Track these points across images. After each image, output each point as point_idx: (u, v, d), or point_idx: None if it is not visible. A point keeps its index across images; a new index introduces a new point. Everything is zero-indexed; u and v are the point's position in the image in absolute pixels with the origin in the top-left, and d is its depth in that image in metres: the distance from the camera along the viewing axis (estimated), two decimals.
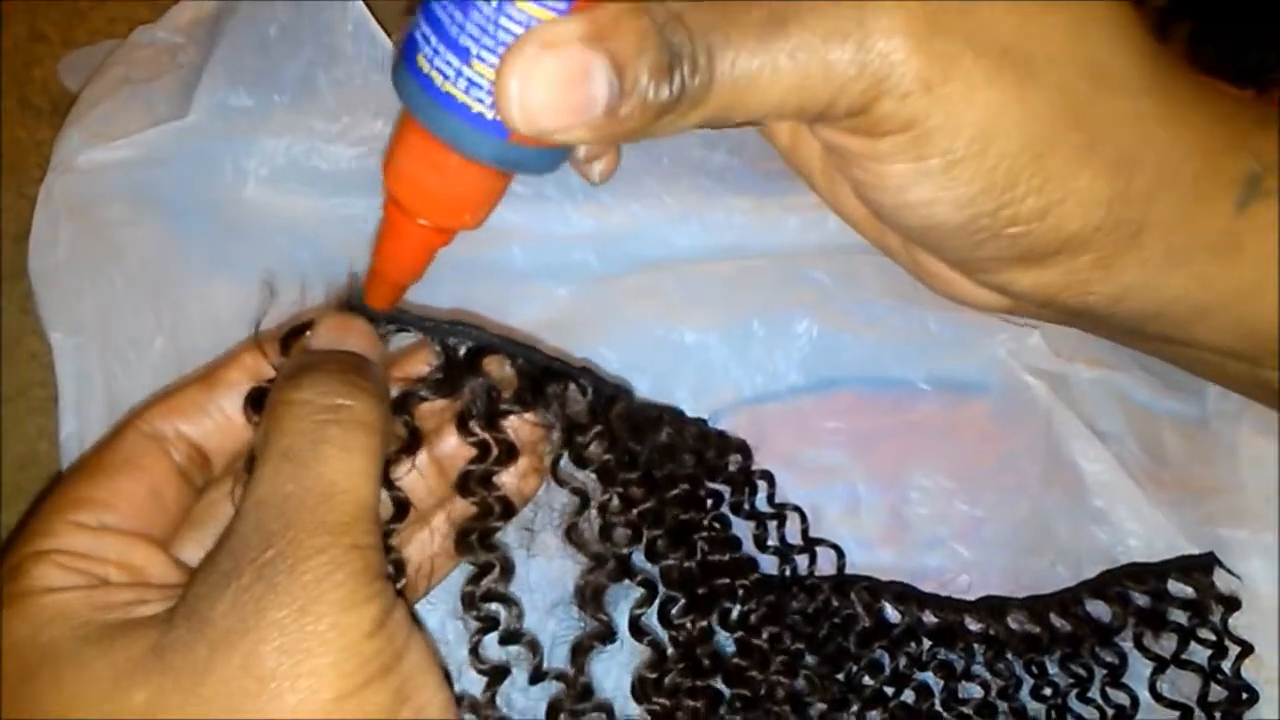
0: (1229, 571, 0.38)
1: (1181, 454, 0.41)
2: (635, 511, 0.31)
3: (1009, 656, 0.36)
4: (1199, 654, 0.37)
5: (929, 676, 0.36)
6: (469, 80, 0.21)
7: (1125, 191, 0.23)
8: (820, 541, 0.36)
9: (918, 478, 0.39)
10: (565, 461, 0.30)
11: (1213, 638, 0.37)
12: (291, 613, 0.22)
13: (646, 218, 0.39)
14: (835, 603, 0.36)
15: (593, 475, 0.30)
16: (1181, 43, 0.57)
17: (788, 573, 0.36)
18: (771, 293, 0.40)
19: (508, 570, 0.29)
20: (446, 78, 0.22)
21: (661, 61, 0.20)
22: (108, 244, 0.36)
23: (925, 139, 0.22)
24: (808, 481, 0.38)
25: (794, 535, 0.36)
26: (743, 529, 0.35)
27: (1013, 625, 0.36)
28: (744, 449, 0.37)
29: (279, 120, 0.37)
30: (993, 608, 0.37)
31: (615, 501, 0.30)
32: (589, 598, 0.30)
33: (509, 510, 0.29)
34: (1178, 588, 0.38)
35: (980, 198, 0.23)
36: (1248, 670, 0.37)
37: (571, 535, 0.30)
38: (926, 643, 0.36)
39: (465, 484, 0.29)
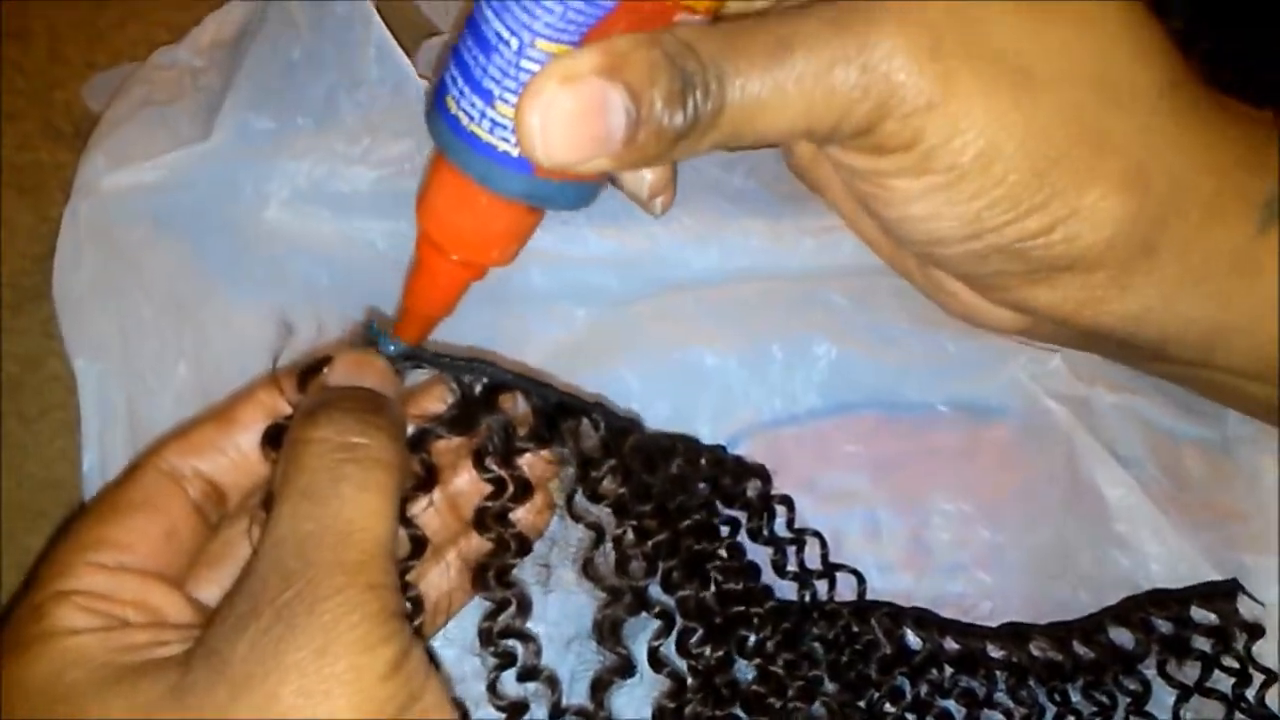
0: (1252, 598, 0.38)
1: (1203, 479, 0.40)
2: (650, 544, 0.30)
3: (1032, 684, 0.36)
4: (1223, 682, 0.37)
5: (951, 704, 0.36)
6: (493, 120, 0.22)
7: (1136, 209, 0.23)
8: (840, 567, 0.36)
9: (938, 502, 0.38)
10: (579, 496, 0.30)
11: (1236, 665, 0.37)
12: (310, 654, 0.22)
13: (665, 240, 0.39)
14: (856, 629, 0.36)
15: (607, 509, 0.30)
16: (1199, 62, 0.57)
17: (807, 598, 0.36)
18: (789, 315, 0.40)
19: (525, 606, 0.29)
20: (472, 119, 0.23)
21: (675, 89, 0.21)
22: (131, 267, 0.36)
23: (929, 156, 0.22)
24: (827, 506, 0.38)
25: (814, 560, 0.36)
26: (762, 555, 0.35)
27: (1035, 652, 0.36)
28: (763, 474, 0.36)
29: (301, 143, 0.38)
30: (1015, 634, 0.36)
31: (630, 535, 0.30)
32: (607, 632, 0.30)
33: (525, 546, 0.29)
34: (1201, 614, 0.37)
35: (985, 213, 0.23)
36: (1272, 698, 0.37)
37: (588, 570, 0.30)
38: (948, 670, 0.36)
39: (481, 520, 0.29)
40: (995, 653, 0.36)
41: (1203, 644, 0.37)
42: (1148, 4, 0.25)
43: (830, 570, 0.36)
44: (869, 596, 0.36)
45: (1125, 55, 0.23)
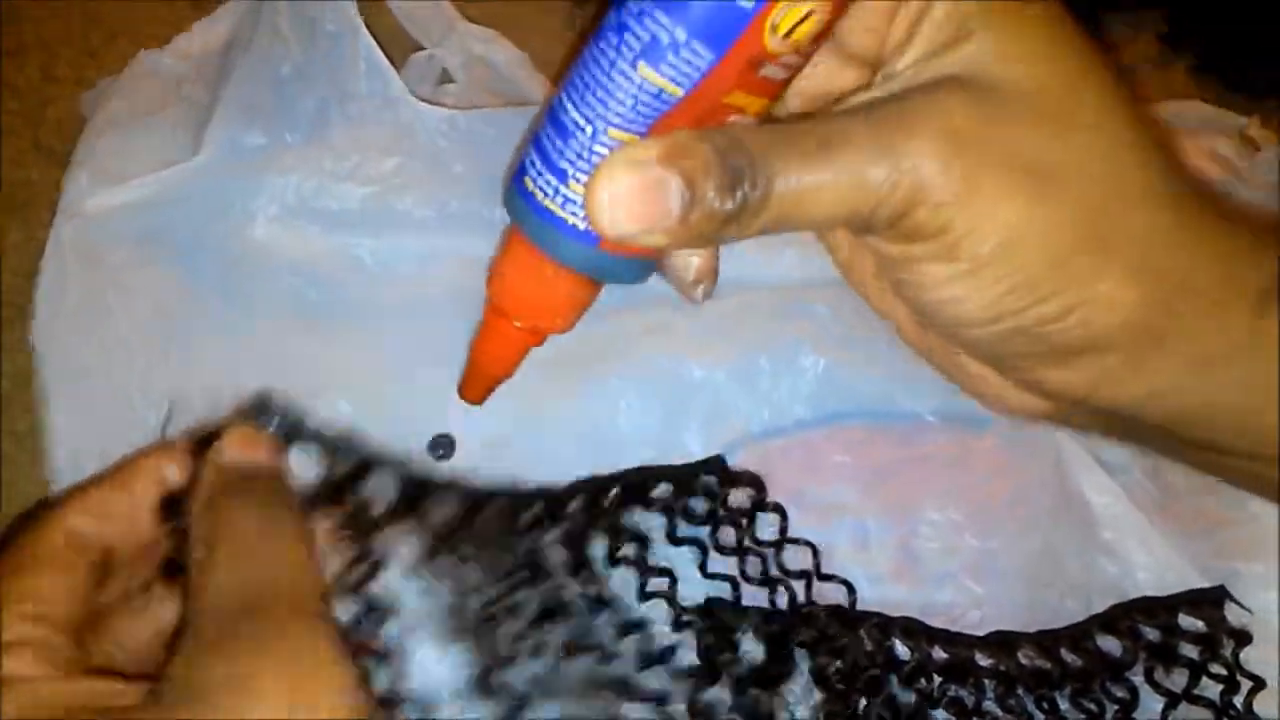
0: (1239, 605, 0.38)
1: (1190, 486, 0.41)
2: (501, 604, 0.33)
3: (1020, 692, 0.36)
4: (1211, 689, 0.37)
5: (940, 713, 0.36)
6: (565, 197, 0.25)
7: (1146, 297, 0.25)
8: (831, 577, 0.37)
9: (927, 512, 0.39)
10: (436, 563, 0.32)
11: (1224, 672, 0.37)
12: (290, 668, 0.23)
13: None
14: (844, 639, 0.36)
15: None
16: (1185, 71, 0.58)
17: (797, 599, 0.36)
18: (777, 327, 0.40)
19: (397, 662, 0.31)
20: (547, 195, 0.26)
21: (725, 180, 0.24)
22: (117, 289, 0.36)
23: (956, 245, 0.25)
24: (816, 517, 0.38)
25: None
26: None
27: (1023, 660, 0.36)
28: (756, 483, 0.37)
29: (289, 159, 0.38)
30: (1003, 643, 0.37)
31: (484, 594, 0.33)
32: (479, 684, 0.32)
33: (384, 614, 0.31)
34: (1188, 622, 0.38)
35: (1006, 297, 0.25)
36: (1260, 705, 0.37)
37: (451, 630, 0.32)
38: (937, 679, 0.36)
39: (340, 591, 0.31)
40: (984, 661, 0.36)
41: (1190, 651, 0.37)
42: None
43: (813, 579, 0.37)
44: (859, 607, 0.37)
45: (1134, 161, 0.25)
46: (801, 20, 0.24)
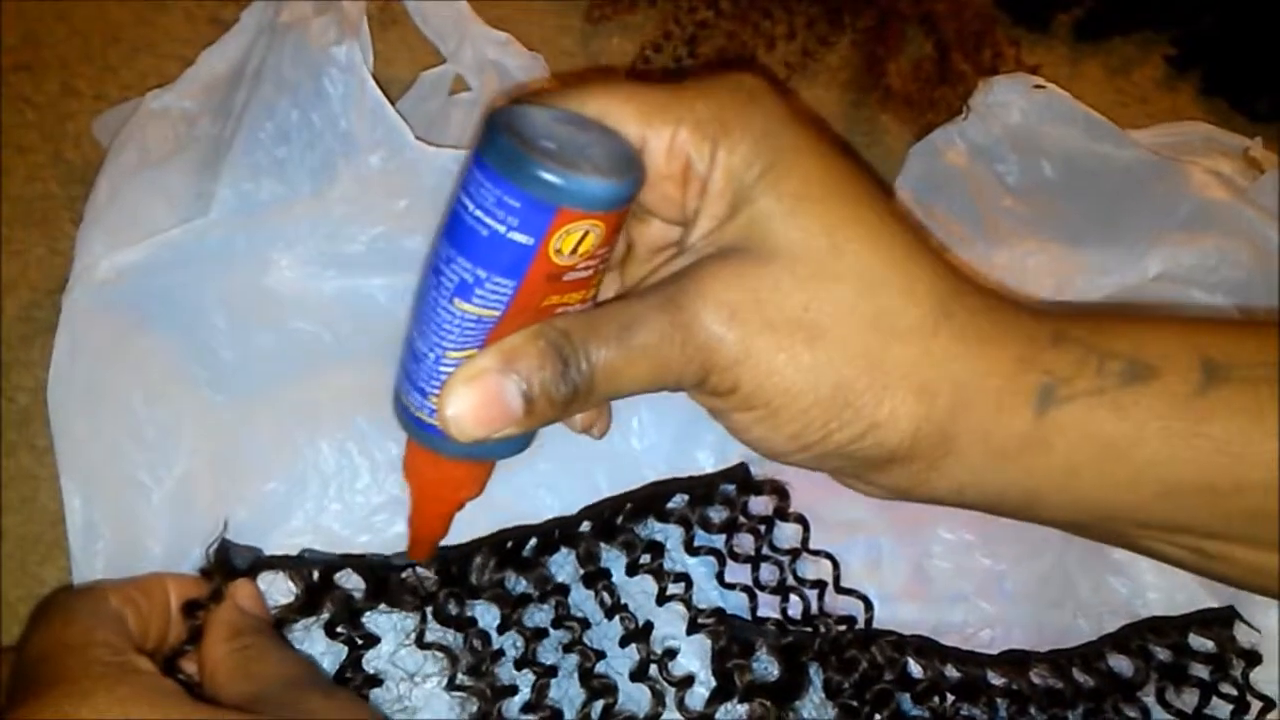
0: (1249, 625, 0.38)
1: None
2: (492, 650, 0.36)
3: (1032, 711, 0.36)
4: (1221, 709, 0.37)
5: None
6: (429, 408, 0.29)
7: (928, 413, 0.28)
8: (849, 591, 0.37)
9: (940, 531, 0.39)
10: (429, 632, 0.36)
11: (1234, 692, 0.37)
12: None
13: None
14: (858, 657, 0.36)
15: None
16: (1190, 93, 0.58)
17: (811, 609, 0.37)
18: None
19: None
20: (418, 408, 0.29)
21: (558, 368, 0.27)
22: (126, 358, 0.36)
23: (748, 398, 0.28)
24: (830, 536, 0.38)
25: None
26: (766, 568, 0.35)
27: (1035, 679, 0.37)
28: (779, 491, 0.38)
29: (299, 208, 0.38)
30: (1015, 662, 0.37)
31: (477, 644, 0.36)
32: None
33: (378, 681, 0.35)
34: (1199, 641, 0.38)
35: (803, 433, 0.29)
36: None
37: (451, 684, 0.35)
38: (950, 697, 0.36)
39: (342, 675, 0.35)
40: (996, 680, 0.37)
41: (1201, 671, 0.37)
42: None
43: (835, 592, 0.37)
44: (872, 624, 0.37)
45: (897, 300, 0.28)
46: (581, 239, 0.27)
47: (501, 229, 0.26)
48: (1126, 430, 0.28)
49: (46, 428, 0.36)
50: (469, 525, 0.36)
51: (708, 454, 0.39)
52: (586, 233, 0.27)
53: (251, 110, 0.38)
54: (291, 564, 0.35)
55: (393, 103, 0.39)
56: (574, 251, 0.27)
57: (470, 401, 0.27)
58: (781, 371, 0.28)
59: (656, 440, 0.39)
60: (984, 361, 0.29)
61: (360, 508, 0.36)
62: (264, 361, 0.37)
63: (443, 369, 0.28)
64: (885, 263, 0.28)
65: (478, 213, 0.26)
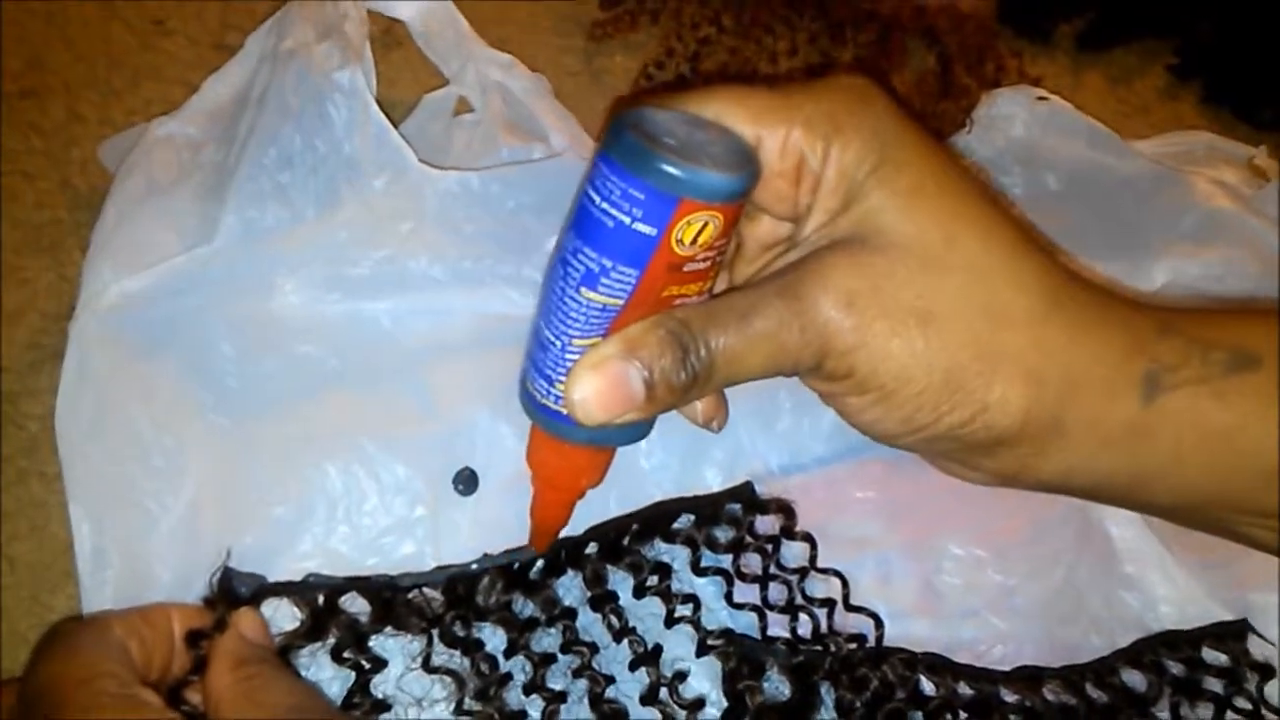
0: (1262, 638, 0.38)
1: None
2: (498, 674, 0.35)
3: None
4: None
5: None
6: (555, 395, 0.30)
7: (1037, 399, 0.30)
8: (859, 609, 0.37)
9: (950, 547, 0.39)
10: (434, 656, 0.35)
11: (1249, 706, 0.37)
12: None
13: None
14: (870, 674, 0.36)
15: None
16: (1193, 102, 0.58)
17: (821, 628, 0.37)
18: None
19: None
20: (544, 395, 0.31)
21: (678, 356, 0.29)
22: (134, 385, 0.36)
23: (862, 382, 0.30)
24: (839, 553, 0.38)
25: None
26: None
27: (1049, 696, 0.37)
28: (785, 510, 0.38)
29: (304, 233, 0.38)
30: (1028, 678, 0.37)
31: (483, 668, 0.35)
32: None
33: (385, 706, 0.35)
34: (1212, 655, 0.38)
35: (915, 415, 0.30)
36: None
37: (459, 710, 0.35)
38: (963, 715, 0.36)
39: (350, 700, 0.35)
40: (1009, 697, 0.37)
41: (1215, 685, 0.37)
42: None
43: (845, 610, 0.37)
44: (883, 642, 0.37)
45: (1008, 289, 0.30)
46: (701, 229, 0.28)
47: (626, 220, 0.28)
48: (1229, 419, 0.29)
49: (56, 455, 0.36)
50: (476, 544, 0.36)
51: (716, 472, 0.39)
52: (706, 224, 0.28)
53: (256, 136, 0.38)
54: (295, 590, 0.35)
55: (396, 124, 0.39)
56: (694, 242, 0.28)
57: (595, 387, 0.28)
58: (896, 357, 0.29)
59: (664, 459, 0.39)
60: (1091, 350, 0.30)
61: (368, 530, 0.36)
62: (270, 386, 0.37)
63: (569, 356, 0.30)
64: (995, 254, 0.30)
65: (604, 205, 0.28)
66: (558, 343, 0.30)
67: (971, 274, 0.29)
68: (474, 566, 0.36)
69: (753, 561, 0.38)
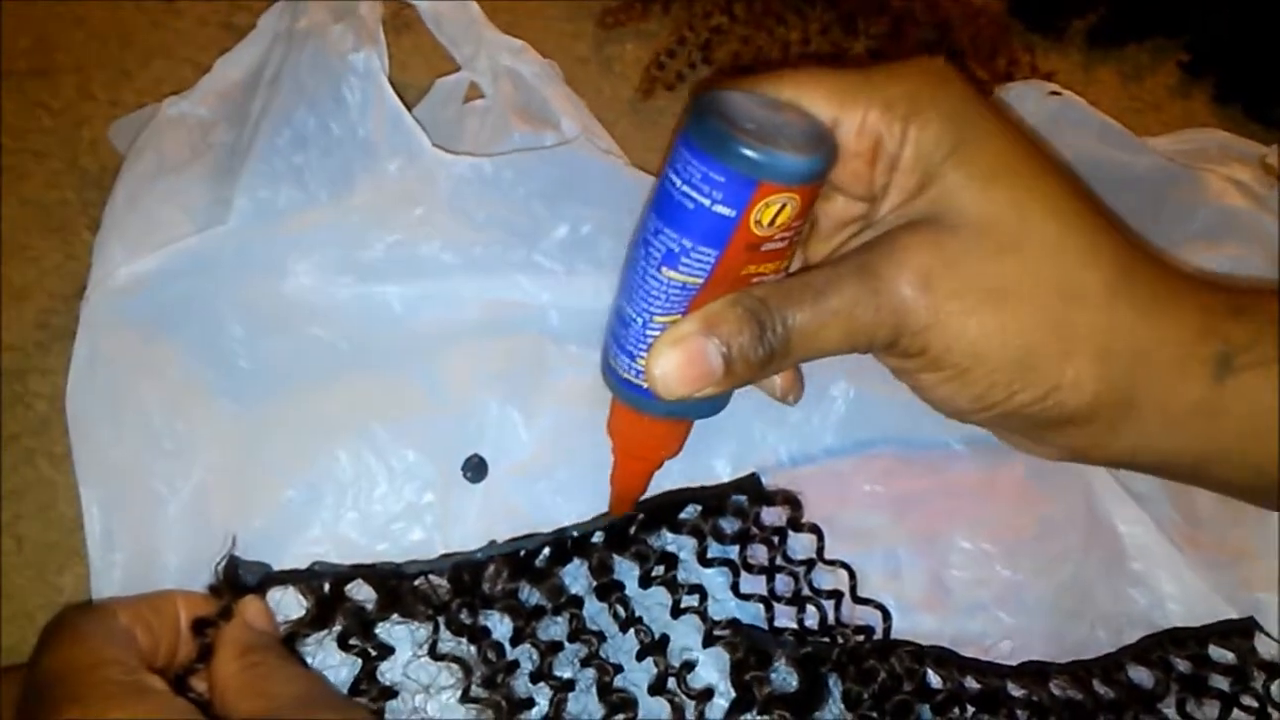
0: (1269, 636, 0.38)
1: (1217, 516, 0.41)
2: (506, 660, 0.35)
3: None
4: None
5: None
6: (636, 370, 0.32)
7: (1108, 378, 0.30)
8: (866, 601, 0.37)
9: (958, 541, 0.39)
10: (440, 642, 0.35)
11: (1255, 705, 0.37)
12: None
13: None
14: (877, 667, 0.36)
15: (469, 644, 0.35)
16: (1205, 99, 0.58)
17: (828, 619, 0.37)
18: None
19: None
20: (626, 369, 0.32)
21: (755, 332, 0.29)
22: (144, 365, 0.36)
23: (936, 360, 0.31)
24: (848, 545, 0.38)
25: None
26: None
27: (1055, 691, 0.36)
28: (792, 501, 0.38)
29: (316, 215, 0.38)
30: (1035, 673, 0.37)
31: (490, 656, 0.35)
32: None
33: (393, 693, 0.35)
34: (1219, 653, 0.38)
35: (987, 393, 0.31)
36: None
37: (465, 696, 0.35)
38: (970, 709, 0.36)
39: (357, 687, 0.34)
40: (1016, 692, 0.36)
41: (1221, 683, 0.37)
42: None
43: (852, 602, 0.37)
44: (890, 635, 0.37)
45: (1081, 269, 0.30)
46: (779, 211, 0.29)
47: (706, 202, 0.28)
48: None
49: (64, 435, 0.36)
50: (484, 531, 0.36)
51: (724, 463, 0.39)
52: (784, 205, 0.29)
53: (269, 117, 0.38)
54: (301, 578, 0.35)
55: (408, 109, 0.39)
56: (772, 223, 0.29)
57: (675, 362, 0.29)
58: (970, 335, 0.30)
59: None
60: (1164, 329, 0.30)
61: (378, 516, 0.36)
62: (281, 369, 0.37)
63: (650, 333, 0.31)
64: (1069, 234, 0.30)
65: (685, 188, 0.29)
66: (639, 320, 0.31)
67: (1045, 254, 0.30)
68: (479, 554, 0.36)
69: (759, 553, 0.38)
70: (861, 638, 0.37)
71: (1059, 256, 0.30)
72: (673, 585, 0.37)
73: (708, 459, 0.39)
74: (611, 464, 0.35)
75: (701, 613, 0.36)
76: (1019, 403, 0.31)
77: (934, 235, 0.30)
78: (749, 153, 0.28)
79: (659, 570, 0.37)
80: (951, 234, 0.30)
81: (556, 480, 0.38)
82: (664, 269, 0.30)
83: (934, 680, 0.36)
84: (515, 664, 0.35)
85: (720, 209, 0.28)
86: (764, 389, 0.34)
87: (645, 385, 0.31)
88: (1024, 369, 0.30)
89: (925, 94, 0.30)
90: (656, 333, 0.30)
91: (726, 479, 0.39)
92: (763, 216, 0.29)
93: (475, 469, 0.38)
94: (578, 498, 0.37)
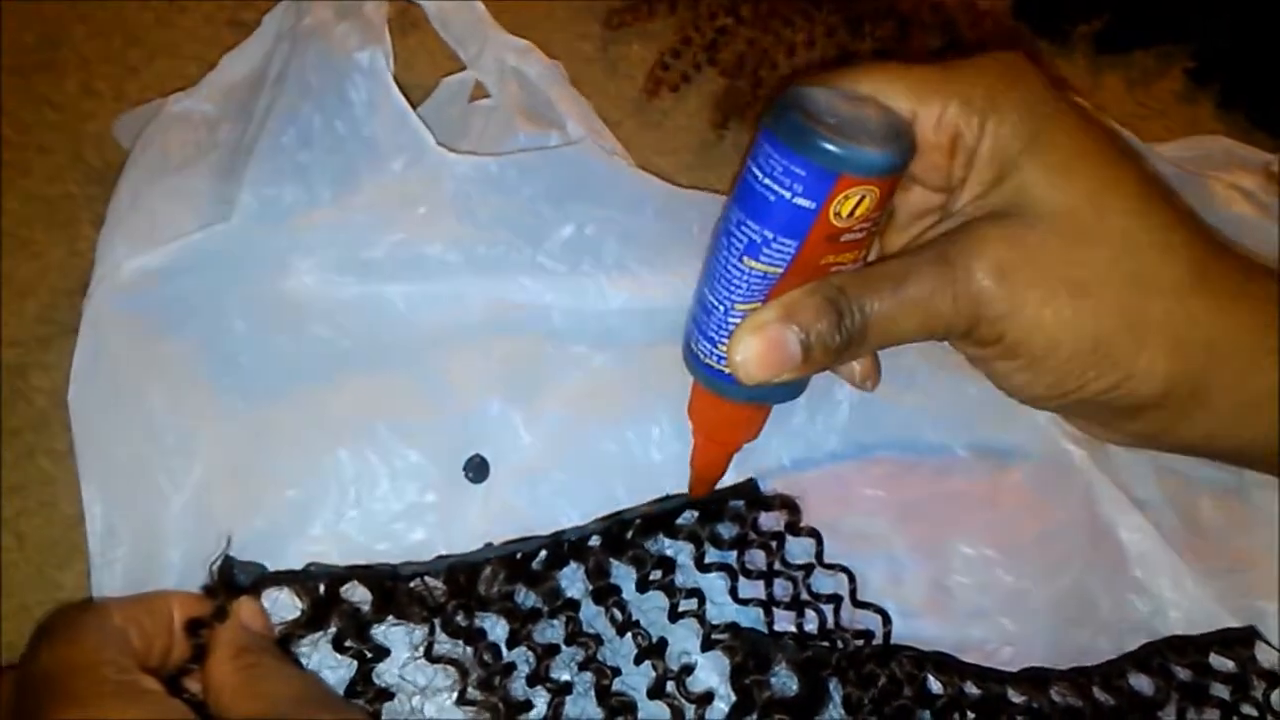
0: (1270, 645, 0.38)
1: (1219, 524, 0.41)
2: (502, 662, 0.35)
3: None
4: None
5: None
6: (718, 355, 0.33)
7: (1181, 367, 0.31)
8: (867, 605, 0.37)
9: (960, 547, 0.39)
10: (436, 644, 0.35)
11: (1255, 713, 0.37)
12: None
13: (684, 290, 0.40)
14: (878, 672, 0.36)
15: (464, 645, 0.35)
16: (1211, 106, 0.58)
17: (827, 624, 0.37)
18: None
19: None
20: (708, 355, 0.33)
21: (834, 320, 0.30)
22: (147, 361, 0.36)
23: (1012, 348, 0.31)
24: (849, 549, 0.38)
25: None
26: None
27: (1056, 698, 0.36)
28: (790, 506, 0.38)
29: (320, 213, 0.38)
30: (1035, 680, 0.37)
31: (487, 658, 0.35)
32: None
33: (389, 695, 0.35)
34: (1220, 661, 0.38)
35: (1062, 381, 0.32)
36: None
37: (461, 698, 0.34)
38: (970, 715, 0.36)
39: (353, 688, 0.34)
40: (1016, 698, 0.36)
41: (1221, 691, 0.37)
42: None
43: (852, 606, 0.37)
44: (890, 640, 0.37)
45: (1155, 260, 0.31)
46: (858, 203, 0.29)
47: (787, 195, 0.29)
48: None
49: (65, 431, 0.36)
50: (485, 532, 0.36)
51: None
52: (863, 197, 0.29)
53: (274, 115, 0.38)
54: (296, 579, 0.35)
55: (413, 107, 0.39)
56: (851, 215, 0.30)
57: (755, 348, 0.30)
58: (1046, 325, 0.31)
59: (679, 450, 0.38)
60: (1236, 319, 0.31)
61: (379, 515, 0.36)
62: (283, 367, 0.37)
63: (731, 320, 0.32)
64: (1144, 226, 0.31)
65: (767, 181, 0.30)
66: (721, 307, 0.32)
67: (1121, 245, 0.30)
68: (476, 556, 0.36)
69: (757, 558, 0.38)
70: (861, 642, 0.37)
71: (1134, 248, 0.30)
72: (670, 589, 0.37)
73: None
74: (691, 447, 0.36)
75: (700, 616, 0.36)
76: (1093, 390, 0.31)
77: (1011, 227, 0.31)
78: (829, 146, 0.28)
79: (656, 574, 0.37)
80: (1029, 226, 0.30)
81: (558, 481, 0.38)
82: (745, 259, 0.31)
83: (934, 686, 0.36)
84: (512, 666, 0.35)
85: (800, 201, 0.29)
86: (842, 375, 0.35)
87: (726, 370, 0.32)
88: (1098, 357, 0.31)
89: (1002, 88, 0.31)
90: (738, 320, 0.31)
91: (730, 482, 0.38)
92: (842, 208, 0.29)
93: (477, 469, 0.38)
94: (579, 499, 0.37)
